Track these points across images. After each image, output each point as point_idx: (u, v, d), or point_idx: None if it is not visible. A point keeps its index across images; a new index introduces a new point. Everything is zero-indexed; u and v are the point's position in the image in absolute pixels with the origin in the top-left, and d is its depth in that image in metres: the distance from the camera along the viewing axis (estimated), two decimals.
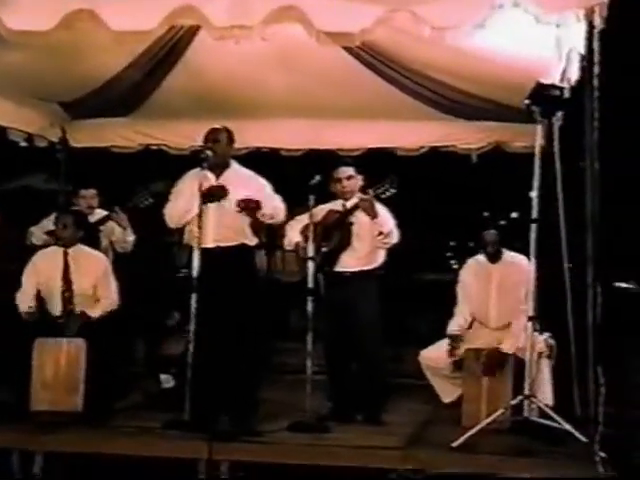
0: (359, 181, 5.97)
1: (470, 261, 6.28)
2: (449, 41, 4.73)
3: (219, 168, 5.72)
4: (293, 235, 5.97)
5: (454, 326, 6.08)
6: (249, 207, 5.57)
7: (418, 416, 6.01)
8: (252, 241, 5.78)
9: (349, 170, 5.98)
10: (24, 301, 5.95)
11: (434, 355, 6.03)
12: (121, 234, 6.99)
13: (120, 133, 7.98)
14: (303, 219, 5.93)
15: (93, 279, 6.03)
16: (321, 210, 5.91)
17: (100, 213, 7.07)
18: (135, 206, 6.91)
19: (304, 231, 5.89)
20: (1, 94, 6.85)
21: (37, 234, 6.82)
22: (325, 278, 5.86)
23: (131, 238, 7.04)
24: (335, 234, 5.88)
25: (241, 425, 5.40)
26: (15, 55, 5.72)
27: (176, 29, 5.70)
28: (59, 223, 6.10)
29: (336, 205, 5.99)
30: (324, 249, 5.84)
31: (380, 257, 5.95)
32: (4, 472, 5.11)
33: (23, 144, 7.81)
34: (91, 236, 6.58)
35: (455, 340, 5.98)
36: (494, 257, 6.09)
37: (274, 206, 5.71)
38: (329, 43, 4.85)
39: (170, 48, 6.39)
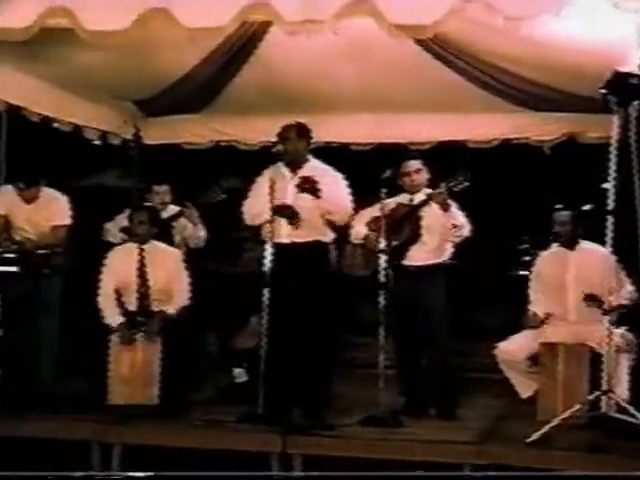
0: (426, 174, 5.93)
1: (545, 252, 6.18)
2: (523, 31, 4.67)
3: (295, 163, 5.73)
4: (361, 227, 5.95)
5: (538, 311, 5.96)
6: (303, 186, 5.55)
7: (491, 410, 5.97)
8: (327, 237, 5.78)
9: (417, 164, 5.95)
10: (108, 309, 5.94)
11: (510, 349, 5.92)
12: (193, 230, 7.05)
13: (192, 130, 8.10)
14: (370, 212, 5.91)
15: (168, 274, 6.06)
16: (388, 204, 5.87)
17: (173, 209, 7.13)
18: (207, 202, 6.97)
19: (370, 224, 5.86)
20: (77, 93, 7.01)
21: (112, 231, 6.90)
22: (394, 272, 5.82)
23: (202, 233, 7.09)
24: (405, 227, 5.85)
25: (314, 419, 5.40)
26: (91, 55, 5.85)
27: (248, 25, 5.72)
28: (134, 219, 6.13)
29: (403, 199, 5.95)
30: (394, 242, 5.80)
31: (448, 251, 5.92)
32: (84, 463, 5.23)
33: (97, 142, 7.96)
34: (164, 232, 6.65)
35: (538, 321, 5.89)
36: (570, 244, 5.97)
37: (335, 204, 5.66)
38: (401, 36, 4.85)
39: (242, 44, 6.44)
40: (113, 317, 5.89)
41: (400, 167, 5.92)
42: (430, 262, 5.84)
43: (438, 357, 5.86)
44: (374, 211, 5.80)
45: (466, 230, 5.81)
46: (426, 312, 5.79)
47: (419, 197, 5.87)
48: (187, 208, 6.96)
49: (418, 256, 5.83)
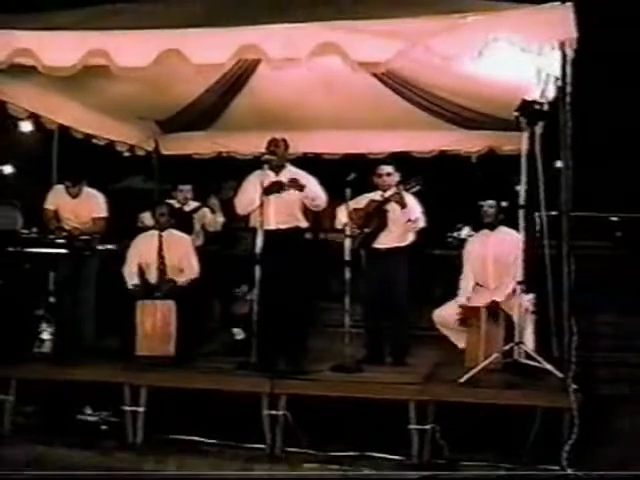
0: (396, 177, 5.88)
1: (474, 235, 6.29)
2: (454, 68, 4.74)
3: (277, 168, 5.75)
4: (342, 216, 5.89)
5: (463, 296, 5.97)
6: (295, 184, 5.59)
7: (433, 359, 5.97)
8: (304, 224, 5.81)
9: (388, 168, 5.91)
10: (130, 276, 6.01)
11: (444, 313, 5.99)
12: (211, 217, 7.13)
13: (199, 143, 8.07)
14: (349, 205, 5.90)
15: (180, 255, 6.09)
16: (364, 199, 5.89)
17: (193, 204, 7.21)
18: (222, 198, 7.02)
19: (350, 214, 5.83)
20: (111, 115, 7.02)
21: (148, 217, 6.93)
22: (366, 253, 5.87)
23: (221, 219, 7.19)
24: (374, 218, 5.84)
25: (295, 366, 5.43)
26: (121, 86, 5.88)
27: (242, 61, 5.74)
28: (157, 212, 6.18)
29: (376, 195, 5.91)
30: (366, 230, 5.83)
31: (410, 237, 5.90)
32: (117, 402, 5.27)
33: (126, 154, 7.97)
34: (187, 222, 6.68)
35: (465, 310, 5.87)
36: (492, 226, 6.03)
37: (316, 193, 5.72)
38: (361, 70, 4.90)
39: (238, 77, 6.48)
40: (132, 279, 5.99)
41: (375, 169, 5.91)
42: (394, 245, 5.83)
43: (399, 320, 5.86)
44: (353, 204, 5.81)
45: (421, 223, 5.83)
46: (391, 285, 5.79)
47: (388, 195, 5.82)
48: (210, 200, 7.01)
49: (385, 241, 5.82)
